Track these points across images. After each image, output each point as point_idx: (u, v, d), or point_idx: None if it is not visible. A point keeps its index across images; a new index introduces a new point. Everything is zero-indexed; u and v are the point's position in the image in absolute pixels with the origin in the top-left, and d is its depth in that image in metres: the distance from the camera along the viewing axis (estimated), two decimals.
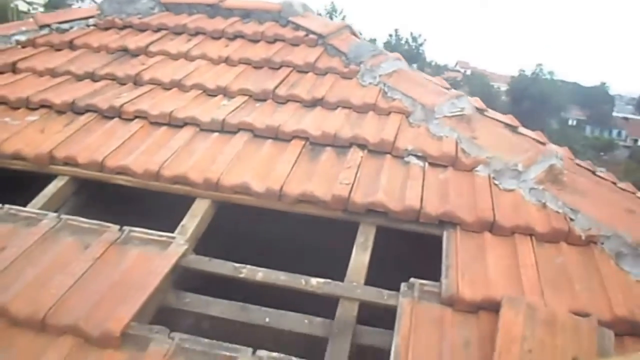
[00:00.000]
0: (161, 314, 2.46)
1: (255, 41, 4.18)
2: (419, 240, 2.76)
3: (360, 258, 2.60)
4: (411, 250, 2.87)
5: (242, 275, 2.53)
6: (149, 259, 2.51)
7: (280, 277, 2.52)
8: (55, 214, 2.75)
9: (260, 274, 2.53)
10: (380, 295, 2.42)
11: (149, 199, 3.08)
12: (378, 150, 3.09)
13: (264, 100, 3.54)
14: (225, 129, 3.25)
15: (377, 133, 3.15)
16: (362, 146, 3.11)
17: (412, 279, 2.43)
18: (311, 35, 4.12)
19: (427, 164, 3.02)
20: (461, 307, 2.30)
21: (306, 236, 3.22)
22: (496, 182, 2.91)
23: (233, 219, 3.36)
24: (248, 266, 2.55)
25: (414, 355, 2.09)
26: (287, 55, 3.94)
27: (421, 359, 2.08)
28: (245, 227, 3.41)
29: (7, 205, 2.80)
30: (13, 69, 3.84)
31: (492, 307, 2.25)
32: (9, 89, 3.58)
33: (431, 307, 2.32)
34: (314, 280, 2.49)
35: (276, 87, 3.59)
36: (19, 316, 2.19)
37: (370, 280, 2.57)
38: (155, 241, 2.62)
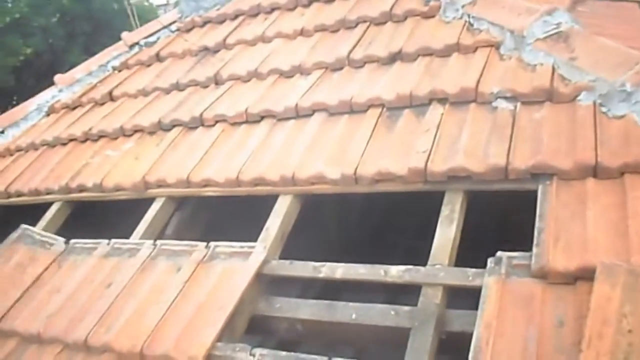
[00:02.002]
0: (258, 321, 2.61)
1: (330, 1, 4.06)
2: (517, 198, 2.53)
3: (445, 234, 2.47)
4: (510, 211, 2.64)
5: (321, 275, 2.55)
6: (232, 274, 2.64)
7: (360, 271, 2.50)
8: (151, 242, 3.01)
9: (340, 270, 2.54)
10: (464, 277, 2.28)
11: (245, 202, 3.20)
12: (460, 101, 2.85)
13: (340, 69, 3.46)
14: (300, 114, 3.25)
15: (457, 81, 2.91)
16: (442, 100, 2.90)
17: (499, 253, 2.25)
18: None
19: (518, 104, 2.73)
20: (555, 280, 2.07)
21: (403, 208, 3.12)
22: (603, 109, 2.53)
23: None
24: (327, 264, 2.57)
25: (495, 349, 1.94)
26: (363, 9, 3.77)
27: (503, 352, 1.93)
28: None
29: (113, 240, 3.12)
30: (111, 97, 4.19)
31: (591, 276, 1.99)
32: (108, 121, 3.93)
33: (520, 284, 2.13)
34: (394, 270, 2.43)
35: (351, 51, 3.47)
36: (122, 351, 2.51)
37: (463, 253, 2.45)
38: (237, 253, 2.74)
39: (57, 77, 4.65)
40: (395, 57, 3.31)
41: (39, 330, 2.76)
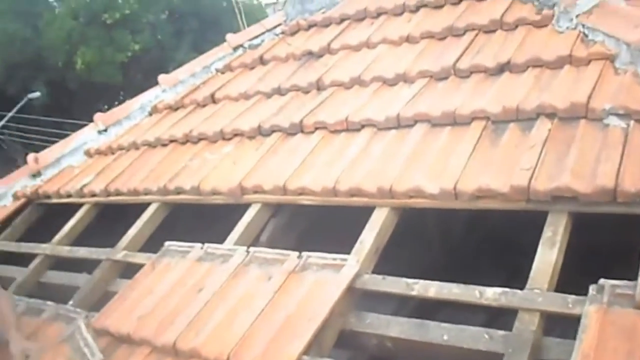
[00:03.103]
0: (347, 336, 2.73)
1: (439, 7, 4.15)
2: (625, 222, 2.52)
3: (546, 257, 2.49)
4: (617, 236, 2.63)
5: (414, 293, 2.64)
6: (323, 286, 2.78)
7: (454, 291, 2.56)
8: (244, 249, 3.20)
9: (433, 289, 2.61)
10: (564, 303, 2.30)
11: (341, 212, 3.34)
12: (569, 116, 2.86)
13: (446, 78, 3.54)
14: (401, 124, 3.35)
15: (567, 95, 2.92)
16: (551, 115, 2.91)
17: (601, 280, 2.26)
18: None
19: (632, 122, 2.70)
20: None
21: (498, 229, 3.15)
22: None
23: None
24: (420, 282, 2.66)
25: None
26: (472, 16, 3.84)
27: None
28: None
29: (206, 245, 3.34)
30: (212, 99, 4.45)
31: None
32: (209, 123, 4.20)
33: (623, 315, 2.13)
34: (490, 292, 2.48)
35: (457, 60, 3.55)
36: (209, 358, 2.68)
37: (563, 277, 2.47)
38: (329, 265, 2.87)
39: (161, 78, 4.99)
40: (503, 68, 3.36)
41: (130, 331, 2.97)
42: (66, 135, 5.69)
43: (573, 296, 2.30)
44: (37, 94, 20.09)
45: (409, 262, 3.72)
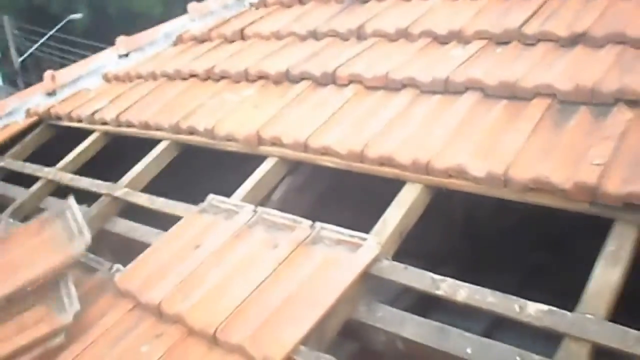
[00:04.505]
0: (352, 326, 2.29)
1: None
2: None
3: (605, 277, 1.99)
4: None
5: (439, 292, 2.17)
6: (333, 266, 2.32)
7: (488, 299, 2.08)
8: (252, 207, 2.77)
9: (463, 293, 2.12)
10: (621, 338, 1.81)
11: (365, 181, 2.88)
12: None
13: (507, 43, 2.99)
14: (449, 89, 2.83)
15: None
16: (632, 103, 2.37)
17: None
18: None
19: None
20: None
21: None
22: None
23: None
24: (449, 280, 2.18)
25: None
26: None
27: None
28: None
29: (211, 195, 2.93)
30: (241, 35, 3.98)
31: None
32: (233, 61, 3.75)
33: None
34: (532, 308, 1.99)
35: (524, 24, 2.99)
36: (194, 327, 2.29)
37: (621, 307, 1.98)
38: (345, 242, 2.41)
39: (191, 6, 4.56)
40: (577, 40, 2.80)
41: (115, 279, 2.64)
42: None
43: (634, 332, 1.81)
44: (78, 15, 19.91)
45: (427, 243, 3.25)
